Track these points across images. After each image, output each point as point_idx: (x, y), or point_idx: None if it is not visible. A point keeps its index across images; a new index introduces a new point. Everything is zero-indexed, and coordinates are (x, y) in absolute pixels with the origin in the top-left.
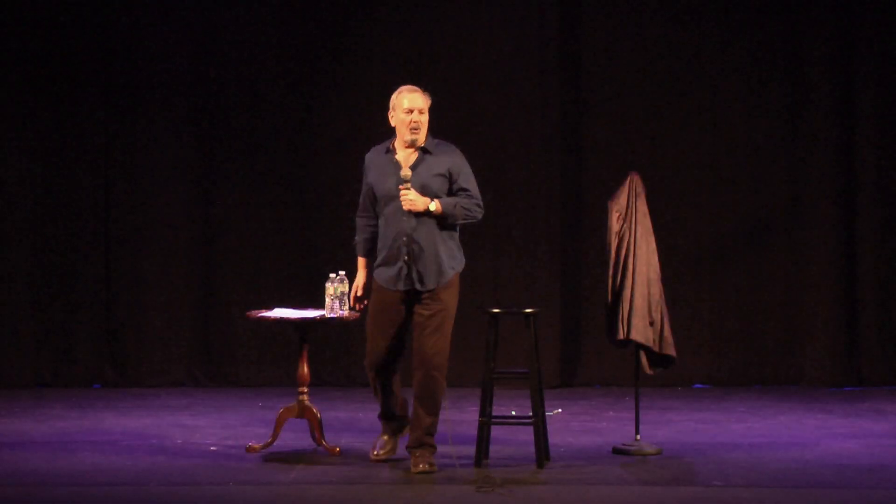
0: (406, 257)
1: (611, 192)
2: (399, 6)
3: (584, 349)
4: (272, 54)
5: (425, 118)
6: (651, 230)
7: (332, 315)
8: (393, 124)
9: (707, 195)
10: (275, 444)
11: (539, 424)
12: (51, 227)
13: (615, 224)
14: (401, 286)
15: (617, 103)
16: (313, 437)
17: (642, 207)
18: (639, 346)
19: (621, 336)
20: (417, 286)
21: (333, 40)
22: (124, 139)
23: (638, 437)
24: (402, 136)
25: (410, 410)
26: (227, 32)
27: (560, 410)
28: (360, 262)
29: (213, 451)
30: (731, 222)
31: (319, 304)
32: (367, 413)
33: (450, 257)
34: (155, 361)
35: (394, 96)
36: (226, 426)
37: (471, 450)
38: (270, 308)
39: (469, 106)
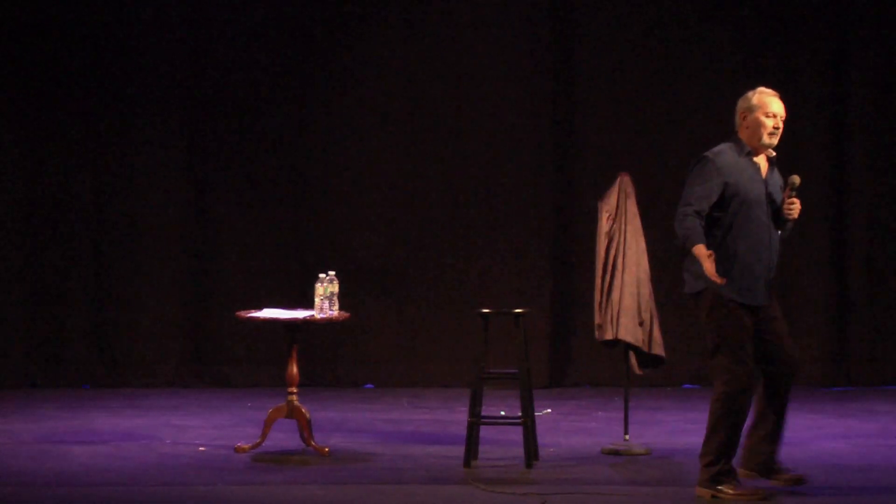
0: (770, 269)
1: (602, 192)
2: (392, 9)
3: (573, 349)
4: (266, 53)
5: (782, 126)
6: (641, 230)
7: (321, 315)
8: (745, 126)
9: None
10: (264, 444)
11: (528, 425)
12: (41, 227)
13: (605, 224)
14: (761, 300)
15: (609, 104)
16: (302, 438)
17: (632, 208)
18: (628, 346)
19: (610, 336)
20: (769, 297)
21: (327, 41)
22: (116, 139)
23: (627, 437)
24: (758, 139)
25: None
26: (221, 32)
27: (549, 411)
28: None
29: (202, 451)
30: None
31: (309, 305)
32: (357, 413)
33: None
34: (145, 362)
35: (753, 97)
36: (215, 426)
37: (460, 450)
38: (260, 308)
39: (461, 106)
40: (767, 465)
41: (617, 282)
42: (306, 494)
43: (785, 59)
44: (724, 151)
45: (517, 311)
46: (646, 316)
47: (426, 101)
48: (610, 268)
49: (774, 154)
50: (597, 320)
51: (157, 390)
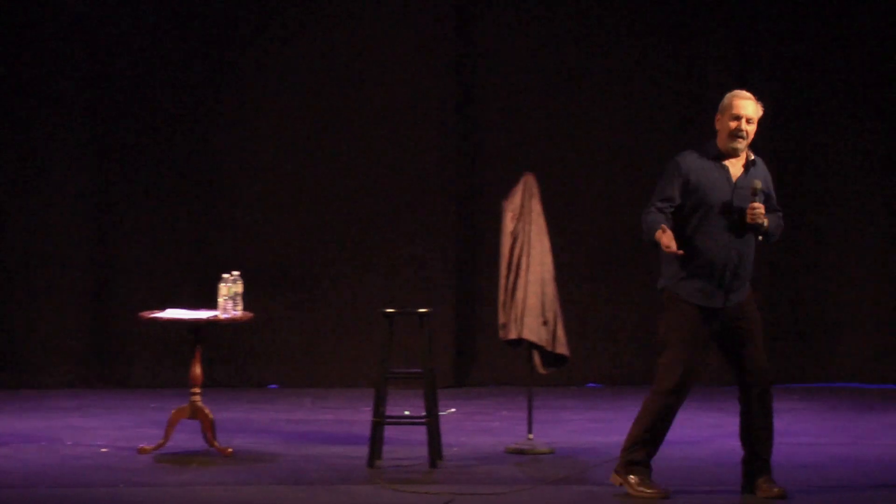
0: (730, 273)
1: (507, 191)
2: (292, 8)
3: (478, 349)
4: (168, 56)
5: (752, 128)
6: (545, 230)
7: (225, 315)
8: (717, 128)
9: (602, 196)
10: (167, 445)
11: (432, 424)
12: None
13: (509, 224)
14: (717, 302)
15: (513, 103)
16: (205, 439)
17: (537, 207)
18: (532, 345)
19: (514, 335)
20: (730, 301)
21: (228, 41)
22: (18, 138)
23: (531, 436)
24: (723, 141)
25: None
26: (123, 35)
27: (454, 410)
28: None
29: (104, 452)
30: (626, 222)
31: (213, 305)
32: (260, 414)
33: (751, 270)
34: (45, 362)
35: (726, 100)
36: (117, 427)
37: (364, 450)
38: (163, 308)
39: (365, 105)
40: (752, 483)
41: (521, 281)
42: (209, 495)
43: (689, 58)
44: (690, 153)
45: (421, 310)
46: (550, 315)
47: (329, 100)
48: (514, 267)
49: (753, 157)
50: (501, 319)
51: (58, 391)
